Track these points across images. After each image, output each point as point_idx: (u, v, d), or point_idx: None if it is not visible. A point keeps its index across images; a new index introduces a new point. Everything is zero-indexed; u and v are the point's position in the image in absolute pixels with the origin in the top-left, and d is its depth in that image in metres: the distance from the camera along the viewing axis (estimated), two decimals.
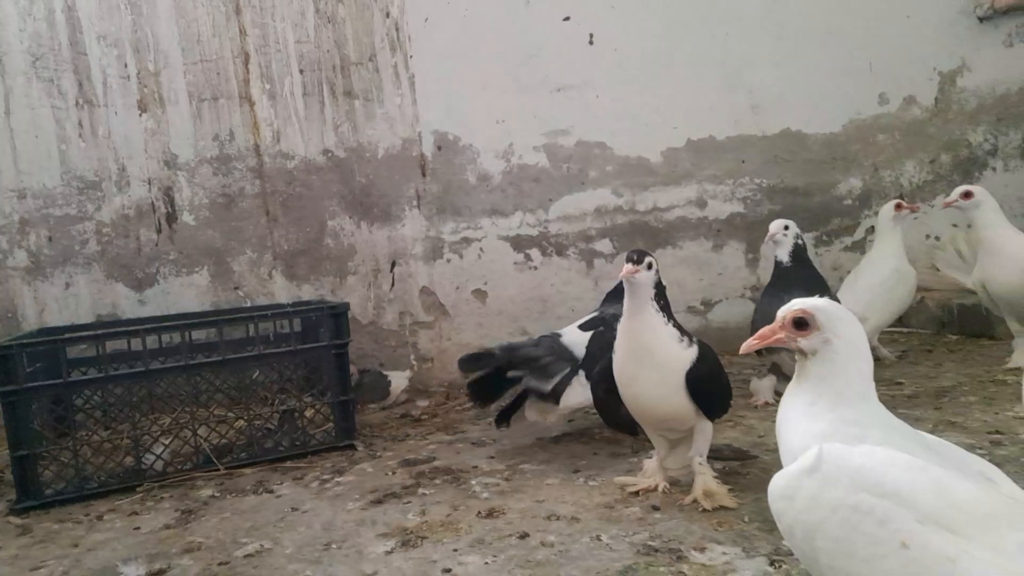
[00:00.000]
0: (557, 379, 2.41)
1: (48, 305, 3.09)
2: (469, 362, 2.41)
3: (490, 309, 3.43)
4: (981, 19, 3.67)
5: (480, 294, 3.44)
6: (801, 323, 1.20)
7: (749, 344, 1.27)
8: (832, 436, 1.10)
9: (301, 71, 3.27)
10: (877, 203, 3.68)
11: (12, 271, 3.06)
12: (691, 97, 3.52)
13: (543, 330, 2.95)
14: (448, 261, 3.41)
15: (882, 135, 3.72)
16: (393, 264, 3.37)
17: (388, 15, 3.30)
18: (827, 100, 3.64)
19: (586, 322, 2.71)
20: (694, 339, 1.89)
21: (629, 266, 1.80)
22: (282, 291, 3.26)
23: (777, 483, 1.10)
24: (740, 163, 3.60)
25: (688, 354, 1.84)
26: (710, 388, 1.87)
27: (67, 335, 2.43)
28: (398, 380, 3.10)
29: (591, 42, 3.44)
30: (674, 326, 1.86)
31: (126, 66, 3.12)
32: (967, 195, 2.89)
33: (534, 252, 3.47)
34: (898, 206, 3.08)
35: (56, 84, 3.07)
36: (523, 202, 3.45)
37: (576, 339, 2.62)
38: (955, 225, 3.67)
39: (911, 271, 3.12)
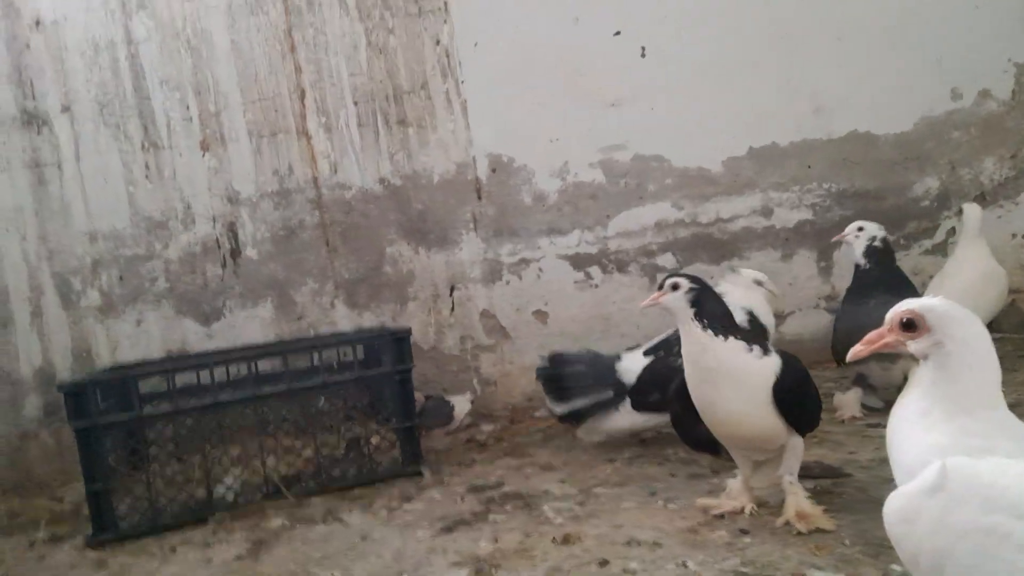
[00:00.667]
0: (575, 403, 2.51)
1: (120, 342, 3.16)
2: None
3: (552, 330, 3.35)
4: None
5: (541, 315, 3.37)
6: (911, 324, 1.11)
7: (856, 351, 1.16)
8: (953, 449, 0.99)
9: (355, 103, 3.31)
10: (956, 203, 3.48)
11: (85, 311, 3.15)
12: (750, 104, 3.41)
13: (608, 349, 2.87)
14: (507, 283, 3.36)
15: (957, 132, 3.53)
16: (452, 288, 3.35)
17: (439, 42, 3.31)
18: (896, 98, 3.47)
19: (652, 346, 2.64)
20: (770, 348, 1.78)
21: (656, 294, 1.79)
22: (344, 320, 3.26)
23: (893, 504, 1.00)
24: (806, 168, 3.46)
25: (768, 366, 1.73)
26: (800, 400, 1.75)
27: (138, 370, 2.47)
28: (461, 404, 3.05)
29: (643, 55, 3.38)
30: (739, 338, 1.76)
31: (188, 108, 3.21)
32: None
33: (594, 270, 3.39)
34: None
35: (122, 129, 3.18)
36: (581, 220, 3.38)
37: (632, 365, 2.56)
38: None
39: (1001, 272, 2.93)
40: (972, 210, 2.99)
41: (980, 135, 3.53)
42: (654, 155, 3.41)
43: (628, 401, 2.49)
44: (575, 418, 2.56)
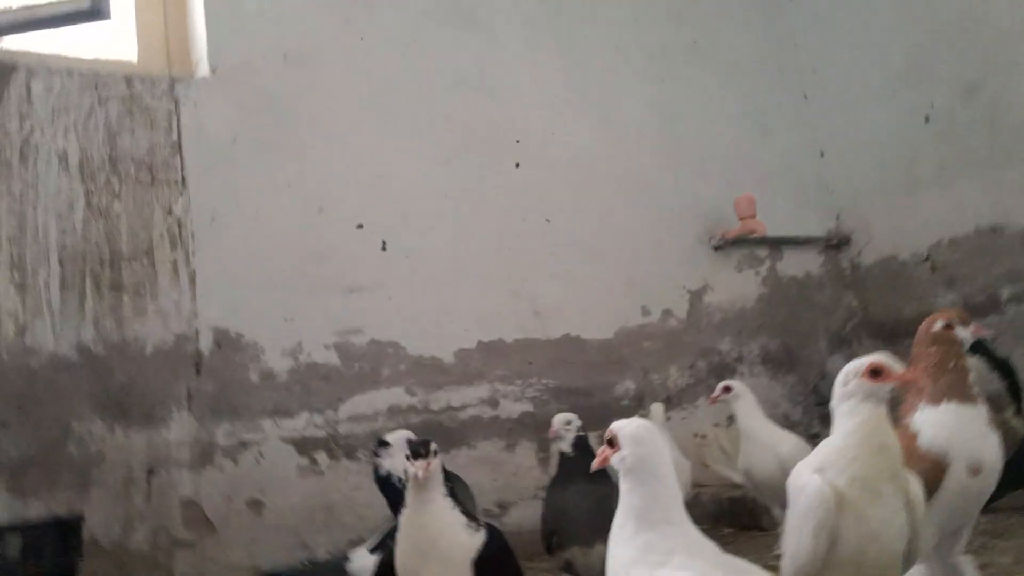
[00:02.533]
0: None
1: None
2: None
3: (267, 522, 3.04)
4: (715, 248, 4.38)
5: (256, 505, 3.06)
6: (612, 442, 1.30)
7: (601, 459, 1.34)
8: (637, 563, 1.13)
9: (61, 263, 3.00)
10: (649, 402, 3.97)
11: None
12: (480, 302, 3.71)
13: (328, 544, 2.67)
14: (220, 468, 3.04)
15: (647, 342, 4.13)
16: (150, 472, 2.94)
17: (171, 212, 3.20)
18: (599, 310, 4.01)
19: (377, 543, 2.51)
20: (482, 523, 1.80)
21: (421, 462, 1.72)
22: (2, 509, 2.66)
23: None
24: (528, 364, 3.76)
25: (475, 541, 1.73)
26: (501, 572, 1.75)
27: None
28: None
29: (384, 248, 3.57)
30: (461, 512, 1.77)
31: None
32: (727, 389, 3.24)
33: (321, 455, 3.22)
34: (727, 388, 3.30)
35: None
36: (311, 401, 3.26)
37: (365, 562, 2.40)
38: (717, 424, 4.03)
39: (686, 463, 3.31)
40: (657, 408, 3.42)
41: (665, 347, 4.15)
42: (390, 341, 3.49)
43: None
44: None
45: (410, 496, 1.73)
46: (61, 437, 2.83)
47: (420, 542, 1.70)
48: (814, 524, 1.43)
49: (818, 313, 4.56)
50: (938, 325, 2.05)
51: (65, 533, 2.13)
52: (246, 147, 3.34)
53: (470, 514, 1.78)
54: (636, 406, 3.99)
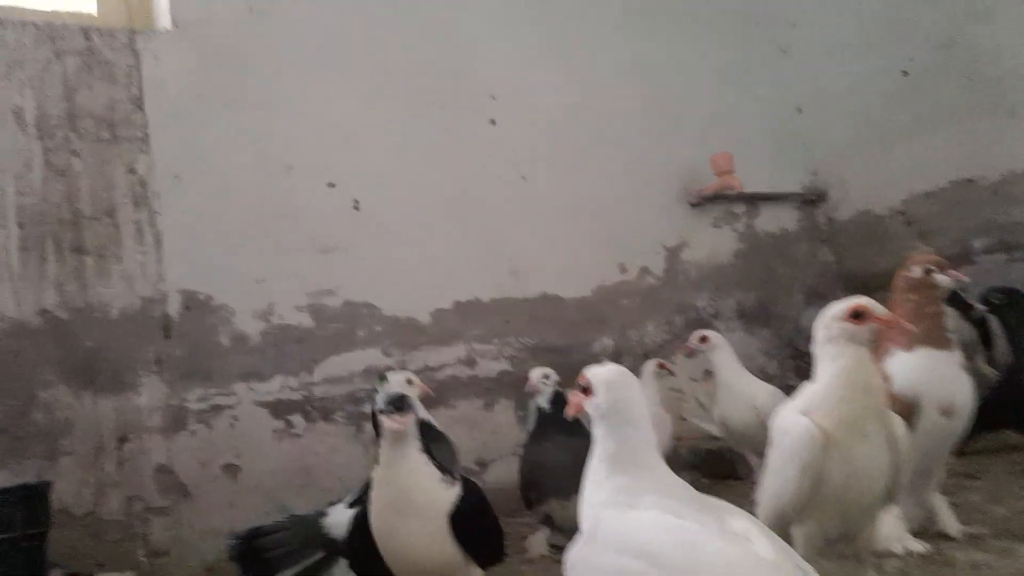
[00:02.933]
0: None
1: None
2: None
3: (243, 486, 3.00)
4: (692, 205, 4.35)
5: (231, 469, 3.01)
6: (587, 388, 1.32)
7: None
8: (608, 505, 1.16)
9: (20, 225, 2.88)
10: (627, 359, 3.97)
11: None
12: (456, 261, 3.65)
13: (307, 506, 2.62)
14: (193, 433, 2.98)
15: (625, 300, 4.11)
16: (122, 440, 2.87)
17: (133, 171, 3.08)
18: (577, 268, 3.97)
19: (356, 497, 2.48)
20: (457, 477, 1.77)
21: (398, 417, 1.68)
22: None
23: (568, 554, 1.17)
24: (505, 323, 3.73)
25: (450, 495, 1.70)
26: (477, 528, 1.73)
27: None
28: None
29: (357, 207, 3.49)
30: (436, 466, 1.74)
31: None
32: (704, 339, 3.25)
33: (296, 418, 3.17)
34: (661, 365, 3.33)
35: None
36: (285, 364, 3.20)
37: (340, 518, 2.37)
38: (694, 379, 4.05)
39: (667, 416, 3.32)
40: (648, 365, 3.37)
41: (642, 304, 4.14)
42: (364, 302, 3.42)
43: (343, 562, 2.25)
44: None
45: (384, 451, 1.70)
46: (26, 405, 2.75)
47: (395, 497, 1.68)
48: (800, 464, 1.43)
49: (794, 268, 4.58)
50: (917, 271, 2.05)
51: (31, 499, 2.06)
52: (210, 102, 3.22)
53: (445, 468, 1.75)
54: (614, 363, 3.97)
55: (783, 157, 4.58)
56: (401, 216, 3.55)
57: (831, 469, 1.42)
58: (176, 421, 2.96)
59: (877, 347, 2.01)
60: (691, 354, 3.46)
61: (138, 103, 3.09)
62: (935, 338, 1.99)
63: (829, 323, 1.58)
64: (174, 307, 3.05)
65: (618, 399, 1.24)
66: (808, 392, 1.57)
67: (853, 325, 1.56)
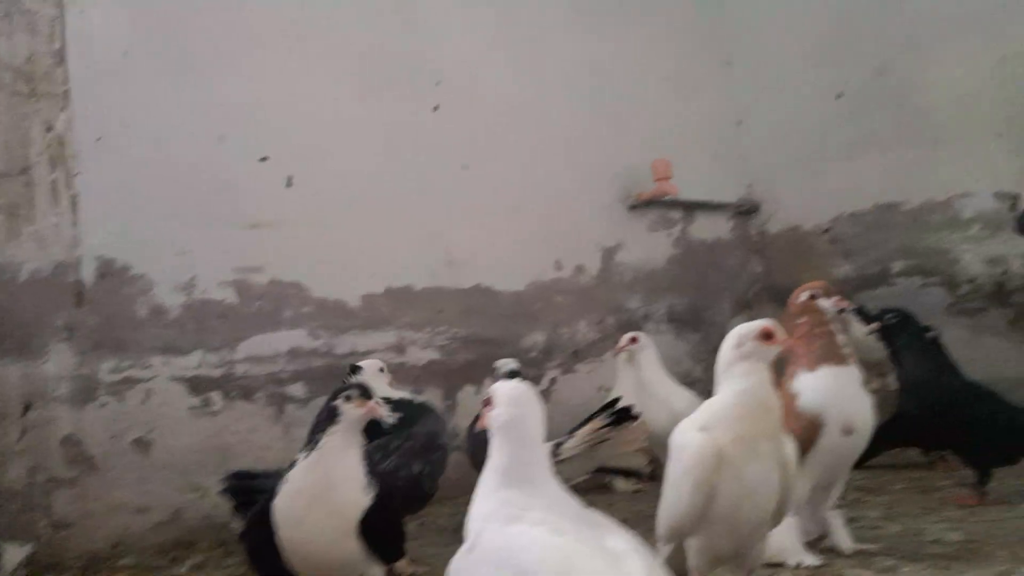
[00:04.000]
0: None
1: None
2: None
3: (155, 461, 2.93)
4: (631, 208, 4.42)
5: (143, 444, 2.93)
6: (489, 401, 1.34)
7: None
8: (493, 517, 1.17)
9: None
10: (558, 355, 4.03)
11: None
12: (391, 246, 3.61)
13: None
14: (103, 405, 2.88)
15: (559, 296, 4.15)
16: (27, 408, 2.75)
17: (51, 129, 2.93)
18: (512, 262, 3.98)
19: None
20: (374, 479, 1.77)
21: (372, 404, 1.73)
22: None
23: (451, 562, 1.18)
24: (437, 312, 3.72)
25: (367, 498, 1.71)
26: (384, 531, 1.74)
27: None
28: (14, 554, 2.42)
29: (289, 184, 3.41)
30: (366, 468, 1.75)
31: None
32: (634, 339, 3.33)
33: (215, 395, 3.10)
34: (633, 339, 3.41)
35: None
36: (206, 340, 3.12)
37: None
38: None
39: None
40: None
41: (576, 301, 4.19)
42: (292, 282, 3.36)
43: None
44: None
45: (327, 441, 1.69)
46: None
47: (315, 488, 1.66)
48: (694, 480, 1.47)
49: (724, 276, 4.71)
50: (803, 296, 2.20)
51: None
52: (140, 63, 3.09)
53: (373, 472, 1.76)
54: (544, 358, 4.03)
55: (721, 167, 4.69)
56: (336, 196, 3.48)
57: (724, 486, 1.48)
58: (86, 392, 2.86)
59: (783, 368, 2.12)
60: (619, 352, 3.52)
61: (60, 57, 2.94)
62: (833, 356, 2.10)
63: (741, 341, 1.64)
64: (88, 273, 2.93)
65: (516, 415, 1.26)
66: (708, 407, 1.62)
67: (763, 345, 1.61)
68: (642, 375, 3.28)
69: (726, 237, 4.76)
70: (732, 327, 1.74)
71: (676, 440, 1.60)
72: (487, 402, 1.32)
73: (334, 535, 1.65)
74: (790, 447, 1.62)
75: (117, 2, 3.07)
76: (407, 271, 3.65)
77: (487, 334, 3.85)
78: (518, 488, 1.19)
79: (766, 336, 1.63)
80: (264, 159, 3.35)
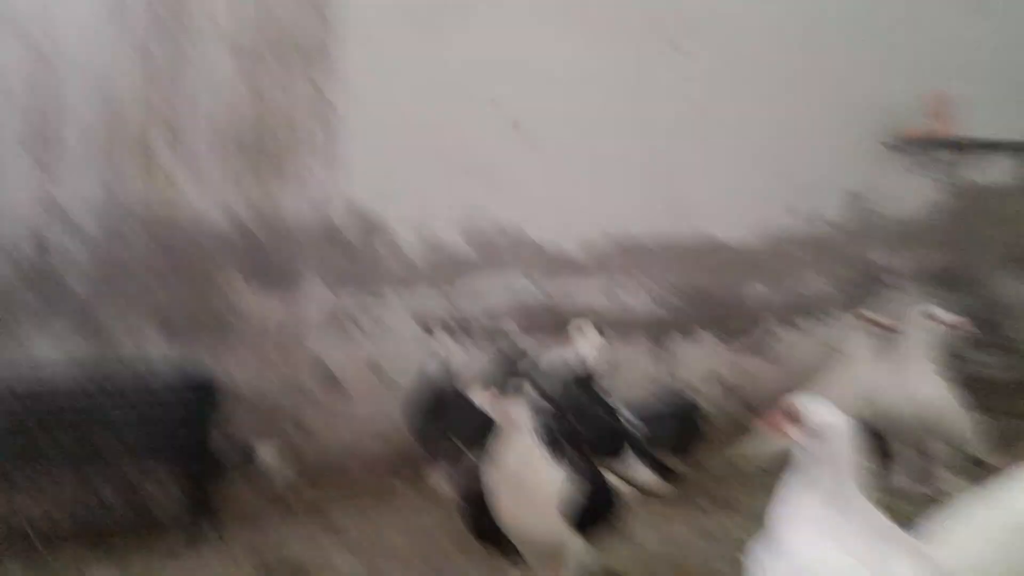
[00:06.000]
0: None
1: None
2: None
3: (385, 382, 3.24)
4: (888, 147, 3.86)
5: (378, 368, 3.25)
6: (794, 415, 1.33)
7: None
8: (798, 528, 1.30)
9: (215, 131, 3.11)
10: (778, 307, 3.75)
11: None
12: (613, 193, 3.53)
13: None
14: (348, 334, 3.23)
15: (789, 244, 3.83)
16: (287, 332, 3.17)
17: (319, 89, 3.21)
18: (740, 208, 3.72)
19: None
20: (567, 454, 1.80)
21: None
22: (156, 349, 2.99)
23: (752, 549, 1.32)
24: (654, 259, 3.62)
25: (560, 475, 1.76)
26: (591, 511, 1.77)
27: None
28: (269, 455, 2.85)
29: (516, 128, 3.43)
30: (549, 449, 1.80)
31: None
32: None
33: (437, 327, 3.32)
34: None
35: None
36: (432, 276, 3.33)
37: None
38: None
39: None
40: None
41: (807, 250, 3.83)
42: (514, 225, 3.44)
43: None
44: None
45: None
46: (208, 293, 3.08)
47: (507, 478, 1.75)
48: None
49: (1000, 229, 3.98)
50: None
51: (205, 379, 2.34)
52: (389, 21, 3.22)
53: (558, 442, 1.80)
54: (761, 309, 3.77)
55: (1009, 99, 3.88)
56: (561, 141, 3.45)
57: None
58: (334, 322, 3.21)
59: None
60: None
61: (328, 22, 3.17)
62: None
63: None
64: (342, 219, 3.22)
65: (837, 448, 1.27)
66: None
67: None
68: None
69: (1007, 182, 3.99)
70: (1001, 289, 1.44)
71: None
72: (787, 414, 1.30)
73: (537, 518, 1.76)
74: None
75: None
76: (629, 218, 3.57)
77: (705, 285, 3.68)
78: (830, 506, 1.24)
79: None
80: (493, 102, 3.37)
